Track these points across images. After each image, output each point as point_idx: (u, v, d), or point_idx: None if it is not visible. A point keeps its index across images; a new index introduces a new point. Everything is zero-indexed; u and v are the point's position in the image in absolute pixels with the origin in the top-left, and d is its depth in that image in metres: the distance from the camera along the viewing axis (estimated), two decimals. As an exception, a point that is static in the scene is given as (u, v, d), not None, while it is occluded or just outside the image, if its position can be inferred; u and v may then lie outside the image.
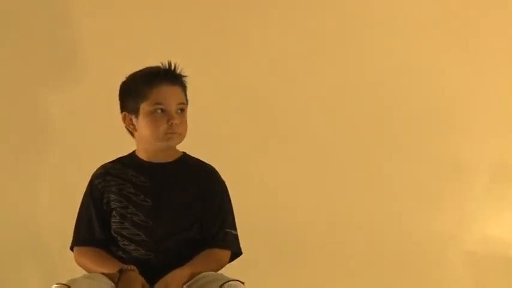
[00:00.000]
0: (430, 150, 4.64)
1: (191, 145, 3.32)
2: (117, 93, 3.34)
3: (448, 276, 4.62)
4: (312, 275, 4.56)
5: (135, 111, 3.24)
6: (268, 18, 4.69)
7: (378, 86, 4.64)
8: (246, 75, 4.63)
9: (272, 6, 4.69)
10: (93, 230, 3.30)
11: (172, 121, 3.21)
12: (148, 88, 3.22)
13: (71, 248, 3.34)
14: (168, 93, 3.24)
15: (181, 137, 3.26)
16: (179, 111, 3.24)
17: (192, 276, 3.14)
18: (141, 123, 3.24)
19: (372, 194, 4.62)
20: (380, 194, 4.62)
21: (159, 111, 3.21)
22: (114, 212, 3.26)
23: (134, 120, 3.25)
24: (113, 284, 3.12)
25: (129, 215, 3.25)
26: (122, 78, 3.33)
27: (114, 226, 3.26)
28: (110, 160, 3.37)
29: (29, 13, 4.72)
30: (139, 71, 3.29)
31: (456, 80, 4.64)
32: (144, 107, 3.22)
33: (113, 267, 3.18)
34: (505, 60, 4.64)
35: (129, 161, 3.32)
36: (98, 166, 3.37)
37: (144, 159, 3.29)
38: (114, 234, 3.26)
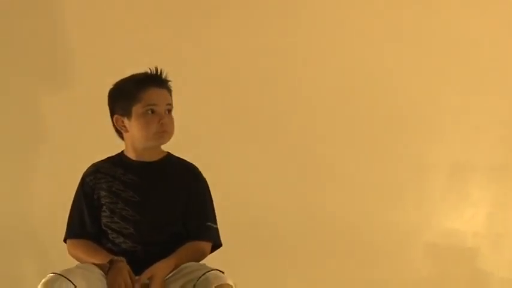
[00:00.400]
0: (394, 151, 4.64)
1: (174, 144, 3.36)
2: (106, 97, 3.37)
3: (410, 265, 4.62)
4: (287, 265, 4.58)
5: (128, 114, 3.27)
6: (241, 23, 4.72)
7: (347, 92, 4.65)
8: (226, 77, 4.64)
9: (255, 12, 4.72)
10: (85, 223, 3.32)
11: (162, 120, 3.25)
12: (140, 92, 3.27)
13: (64, 240, 3.36)
14: (157, 96, 3.28)
15: (170, 135, 3.30)
16: (167, 112, 3.29)
17: (176, 266, 3.19)
18: (134, 124, 3.27)
19: (342, 191, 4.64)
20: (349, 191, 4.63)
21: (150, 112, 3.25)
22: (104, 207, 3.28)
23: (126, 122, 3.28)
24: (103, 274, 3.16)
25: (118, 210, 3.27)
26: (110, 82, 3.36)
27: (104, 220, 3.29)
28: (100, 159, 3.40)
29: (24, 20, 4.72)
30: (128, 77, 3.34)
31: (418, 86, 4.64)
32: (136, 109, 3.25)
33: (103, 258, 3.21)
34: (465, 64, 4.63)
35: (118, 160, 3.35)
36: (89, 165, 3.41)
37: (132, 158, 3.32)
38: (104, 228, 3.28)
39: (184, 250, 3.24)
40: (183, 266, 3.18)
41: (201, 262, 3.25)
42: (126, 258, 3.19)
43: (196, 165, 3.37)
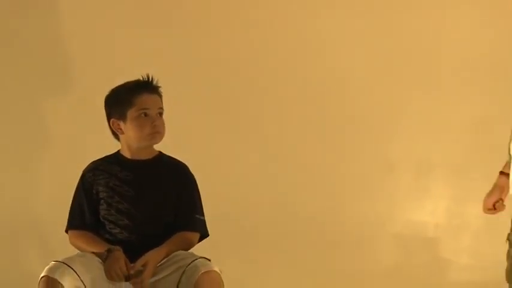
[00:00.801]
0: (364, 150, 4.65)
1: (165, 144, 3.40)
2: (103, 101, 3.39)
3: (378, 253, 4.64)
4: (265, 253, 4.59)
5: (123, 117, 3.30)
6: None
7: (321, 95, 4.65)
8: (210, 85, 4.66)
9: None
10: (84, 216, 3.35)
11: (154, 123, 3.29)
12: (133, 97, 3.30)
13: (66, 231, 3.40)
14: (149, 101, 3.32)
15: (162, 135, 3.34)
16: (159, 115, 3.32)
17: (167, 254, 3.23)
18: (129, 126, 3.30)
19: (316, 186, 4.64)
20: (323, 186, 4.64)
21: (143, 115, 3.29)
22: (102, 201, 3.32)
23: (122, 124, 3.31)
24: (101, 261, 3.20)
25: (114, 204, 3.30)
26: (108, 88, 3.40)
27: (102, 213, 3.31)
28: (98, 158, 3.43)
29: (26, 26, 4.70)
30: (123, 84, 3.37)
31: (387, 92, 4.62)
32: (131, 113, 3.29)
33: (101, 247, 3.24)
34: (428, 68, 4.62)
35: (115, 159, 3.39)
36: (88, 163, 3.43)
37: (128, 157, 3.36)
38: (102, 220, 3.31)
39: (174, 240, 3.27)
40: (173, 254, 3.22)
41: (189, 251, 3.27)
42: (122, 247, 3.22)
43: (185, 163, 3.40)
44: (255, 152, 4.68)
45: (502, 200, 3.32)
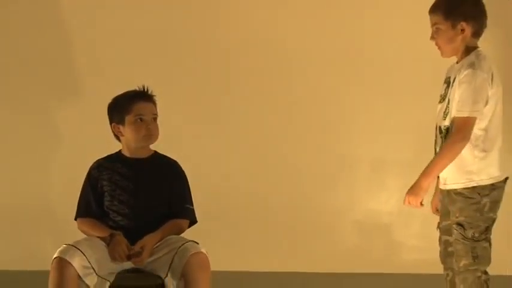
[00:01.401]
0: (328, 148, 4.60)
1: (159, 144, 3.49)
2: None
3: (341, 237, 4.62)
4: (243, 237, 4.56)
5: (122, 122, 3.40)
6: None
7: (289, 102, 4.60)
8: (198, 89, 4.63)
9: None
10: (90, 206, 3.44)
11: (149, 126, 3.39)
12: (131, 105, 3.40)
13: (75, 219, 3.49)
14: (144, 108, 3.42)
15: (155, 137, 3.43)
16: (153, 120, 3.42)
17: (161, 238, 3.33)
18: (127, 130, 3.40)
19: (289, 180, 4.62)
20: (294, 180, 4.62)
21: (139, 120, 3.38)
22: (106, 193, 3.42)
23: (121, 128, 3.41)
24: (105, 244, 3.30)
25: (116, 196, 3.40)
26: (111, 97, 3.50)
27: (106, 203, 3.41)
28: (102, 156, 3.52)
29: (39, 40, 4.66)
30: (122, 94, 3.47)
31: (346, 99, 4.58)
32: (128, 118, 3.39)
33: (104, 232, 3.35)
34: (383, 78, 4.54)
35: (116, 157, 3.49)
36: (94, 160, 3.52)
37: (127, 155, 3.46)
38: (106, 210, 3.41)
39: (168, 226, 3.37)
40: (167, 238, 3.32)
41: (181, 235, 3.38)
42: (123, 232, 3.33)
43: (177, 161, 3.50)
44: (237, 151, 4.63)
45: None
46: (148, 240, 3.30)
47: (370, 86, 4.59)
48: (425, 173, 3.13)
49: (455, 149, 3.07)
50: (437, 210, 3.37)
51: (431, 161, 3.14)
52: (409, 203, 3.17)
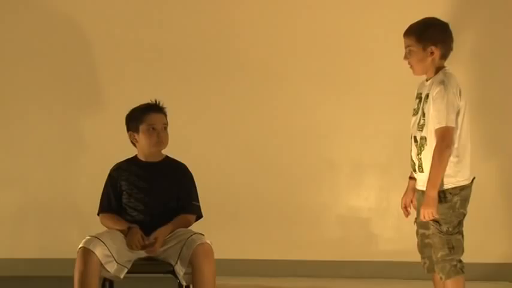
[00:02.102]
0: (313, 153, 4.63)
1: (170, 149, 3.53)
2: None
3: (326, 230, 4.64)
4: (242, 230, 4.57)
5: (137, 130, 3.45)
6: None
7: (279, 111, 4.61)
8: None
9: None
10: (111, 203, 3.48)
11: (160, 135, 3.44)
12: (144, 116, 3.45)
13: (98, 214, 3.54)
14: (156, 118, 3.46)
15: (165, 144, 3.48)
16: (163, 129, 3.46)
17: (172, 231, 3.38)
18: (141, 137, 3.45)
19: (280, 179, 4.64)
20: (285, 179, 4.63)
21: (151, 129, 3.43)
22: (124, 192, 3.47)
23: (136, 136, 3.47)
24: (123, 236, 3.35)
25: (133, 194, 3.45)
26: (129, 108, 3.55)
27: (124, 201, 3.46)
28: (121, 160, 3.55)
29: (74, 62, 4.72)
30: (137, 106, 3.51)
31: (330, 108, 4.59)
32: (142, 127, 3.44)
33: (123, 225, 3.41)
34: (361, 87, 4.53)
35: (133, 161, 3.53)
36: (114, 163, 3.55)
37: (142, 159, 3.51)
38: (124, 206, 3.46)
39: (177, 220, 3.42)
40: (176, 230, 3.37)
41: (188, 228, 3.42)
42: (139, 225, 3.38)
43: (186, 163, 3.53)
44: (236, 156, 4.66)
45: (411, 200, 3.35)
46: (161, 232, 3.34)
47: (351, 100, 4.59)
48: (430, 185, 3.15)
49: (444, 156, 3.12)
50: (405, 207, 3.39)
51: (430, 174, 3.15)
52: (425, 216, 3.16)
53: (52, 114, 4.77)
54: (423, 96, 3.25)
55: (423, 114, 3.21)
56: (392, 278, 4.46)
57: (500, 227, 4.48)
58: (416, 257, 3.38)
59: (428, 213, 3.15)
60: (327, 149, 4.64)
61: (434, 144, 3.14)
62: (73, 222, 4.55)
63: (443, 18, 3.31)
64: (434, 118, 3.15)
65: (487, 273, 4.39)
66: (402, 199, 3.42)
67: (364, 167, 4.62)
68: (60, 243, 4.60)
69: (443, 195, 3.17)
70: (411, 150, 3.29)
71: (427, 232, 3.27)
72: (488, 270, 4.40)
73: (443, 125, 3.12)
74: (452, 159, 3.16)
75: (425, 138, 3.20)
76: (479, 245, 4.22)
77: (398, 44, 3.31)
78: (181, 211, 3.45)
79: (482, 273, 4.33)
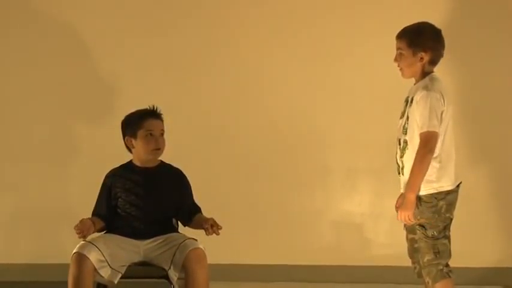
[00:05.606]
0: (309, 159, 4.66)
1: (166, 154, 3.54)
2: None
3: (320, 234, 4.66)
4: (236, 235, 4.37)
5: (134, 136, 3.46)
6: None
7: (277, 120, 4.63)
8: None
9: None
10: (102, 208, 3.48)
11: (157, 141, 3.46)
12: (142, 122, 3.46)
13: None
14: (154, 124, 3.47)
15: (162, 150, 3.49)
16: (161, 135, 3.49)
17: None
18: (139, 142, 3.45)
19: (276, 185, 4.66)
20: (280, 184, 4.66)
21: (149, 135, 3.44)
22: (120, 198, 3.46)
23: (133, 141, 3.47)
24: (118, 240, 3.34)
25: (129, 200, 3.44)
26: (123, 115, 3.57)
27: (120, 206, 3.44)
28: (115, 165, 3.56)
29: (74, 73, 4.72)
30: (135, 111, 3.53)
31: (326, 117, 4.61)
32: (140, 133, 3.44)
33: (99, 224, 3.43)
34: (355, 93, 4.54)
35: (129, 166, 3.53)
36: (109, 169, 3.55)
37: (138, 165, 3.52)
38: (120, 212, 3.43)
39: (202, 217, 3.42)
40: (169, 235, 3.34)
41: (181, 233, 3.44)
42: (136, 231, 3.37)
43: (181, 168, 3.57)
44: (232, 162, 4.67)
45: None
46: (209, 218, 3.33)
47: (345, 105, 4.62)
48: (408, 189, 3.19)
49: (425, 161, 3.15)
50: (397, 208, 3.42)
51: (409, 178, 3.18)
52: (403, 218, 3.21)
53: (46, 119, 4.77)
54: (409, 99, 3.28)
55: (407, 118, 3.25)
56: (387, 283, 4.49)
57: (494, 231, 4.51)
58: (410, 262, 3.40)
59: (405, 215, 3.18)
60: (321, 154, 4.67)
61: (416, 148, 3.17)
62: (67, 228, 4.03)
63: (436, 23, 3.34)
64: (418, 123, 3.19)
65: (480, 278, 4.41)
66: (397, 201, 3.41)
67: (358, 173, 4.64)
68: (54, 249, 4.59)
69: (427, 199, 3.18)
70: (396, 153, 3.32)
71: (415, 237, 3.29)
72: (481, 274, 4.42)
73: (425, 130, 3.16)
74: (434, 164, 3.18)
75: (407, 141, 3.23)
76: (473, 249, 4.26)
77: (393, 50, 3.34)
78: (195, 211, 3.48)
79: (475, 278, 4.35)
